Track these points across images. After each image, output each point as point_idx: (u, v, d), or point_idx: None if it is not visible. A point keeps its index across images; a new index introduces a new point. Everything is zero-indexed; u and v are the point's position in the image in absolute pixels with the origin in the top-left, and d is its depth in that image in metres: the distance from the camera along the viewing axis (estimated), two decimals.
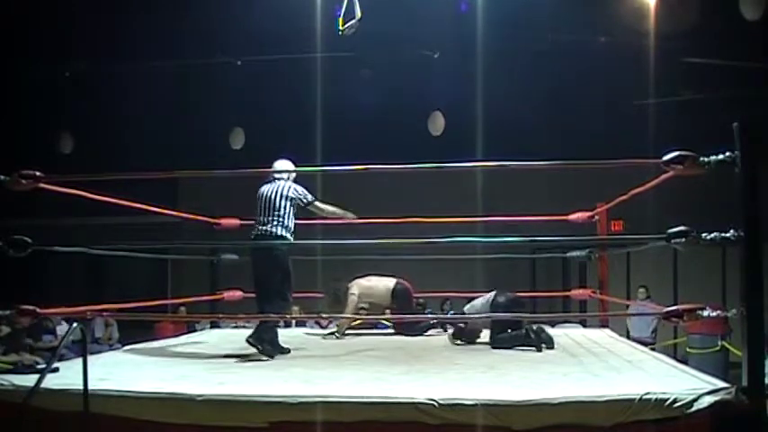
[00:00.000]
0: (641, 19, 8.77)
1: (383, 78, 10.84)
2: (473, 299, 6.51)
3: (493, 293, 6.16)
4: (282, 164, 5.75)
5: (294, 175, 5.73)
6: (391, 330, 7.12)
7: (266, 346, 5.12)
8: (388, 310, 7.33)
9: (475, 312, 6.17)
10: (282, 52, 10.16)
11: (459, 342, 6.11)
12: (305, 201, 5.55)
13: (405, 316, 6.93)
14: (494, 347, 5.71)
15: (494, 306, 5.97)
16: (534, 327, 5.74)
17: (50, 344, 9.94)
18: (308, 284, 7.19)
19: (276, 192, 5.48)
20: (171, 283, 13.84)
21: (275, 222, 5.40)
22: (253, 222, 5.60)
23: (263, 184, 5.62)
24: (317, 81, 9.37)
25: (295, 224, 5.53)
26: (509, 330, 5.80)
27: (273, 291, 5.30)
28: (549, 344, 5.56)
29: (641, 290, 10.87)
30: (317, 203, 5.64)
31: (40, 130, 11.98)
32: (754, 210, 3.43)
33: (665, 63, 9.43)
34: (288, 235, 5.44)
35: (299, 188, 5.58)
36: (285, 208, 5.43)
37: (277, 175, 5.62)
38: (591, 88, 10.36)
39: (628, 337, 8.54)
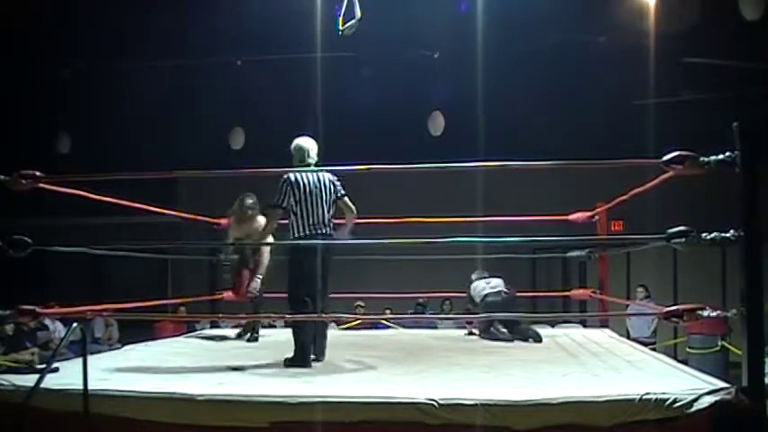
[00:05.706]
0: (641, 19, 8.77)
1: (383, 78, 10.83)
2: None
3: (500, 287, 6.55)
4: (307, 141, 5.00)
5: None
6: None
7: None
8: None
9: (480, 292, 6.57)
10: (282, 52, 10.16)
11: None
12: (341, 192, 4.80)
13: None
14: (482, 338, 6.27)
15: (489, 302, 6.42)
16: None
17: (45, 340, 9.94)
18: None
19: (322, 182, 4.73)
20: (171, 283, 13.83)
21: (330, 221, 4.77)
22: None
23: (293, 173, 4.75)
24: (317, 81, 9.35)
25: None
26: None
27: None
28: (537, 338, 6.00)
29: (640, 289, 10.84)
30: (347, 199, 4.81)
31: (39, 130, 11.98)
32: (754, 210, 3.43)
33: (665, 63, 9.43)
34: None
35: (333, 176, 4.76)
36: (331, 202, 4.73)
37: (309, 159, 4.89)
38: (591, 88, 10.36)
39: (628, 336, 8.54)
